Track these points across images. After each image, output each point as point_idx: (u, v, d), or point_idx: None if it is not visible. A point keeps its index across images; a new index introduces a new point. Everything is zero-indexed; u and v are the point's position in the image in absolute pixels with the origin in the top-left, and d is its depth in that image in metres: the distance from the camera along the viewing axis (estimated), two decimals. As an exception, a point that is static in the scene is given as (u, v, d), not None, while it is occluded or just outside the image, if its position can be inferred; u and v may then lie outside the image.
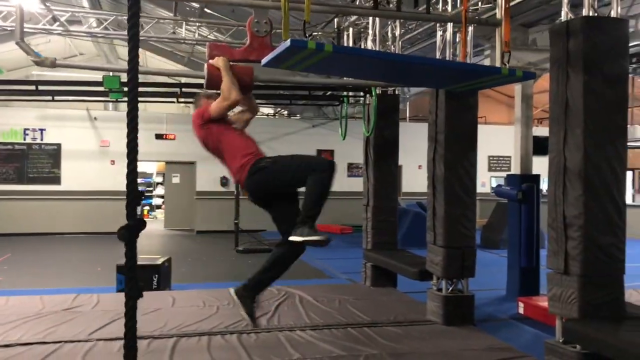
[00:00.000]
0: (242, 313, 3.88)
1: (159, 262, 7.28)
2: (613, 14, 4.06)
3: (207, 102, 4.05)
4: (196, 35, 11.34)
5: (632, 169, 20.56)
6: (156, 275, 7.10)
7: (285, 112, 19.47)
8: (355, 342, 5.01)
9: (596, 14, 4.03)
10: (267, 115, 19.91)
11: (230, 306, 6.26)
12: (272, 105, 17.87)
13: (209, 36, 12.01)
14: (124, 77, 8.73)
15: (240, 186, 3.96)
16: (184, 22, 10.30)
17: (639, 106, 20.24)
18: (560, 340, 4.04)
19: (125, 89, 8.82)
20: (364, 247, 7.78)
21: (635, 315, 4.64)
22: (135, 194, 1.64)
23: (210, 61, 4.03)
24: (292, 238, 3.63)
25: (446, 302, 5.63)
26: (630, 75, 6.07)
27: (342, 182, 17.90)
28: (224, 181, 16.57)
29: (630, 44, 4.87)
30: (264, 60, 3.31)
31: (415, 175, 17.18)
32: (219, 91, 4.00)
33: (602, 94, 3.90)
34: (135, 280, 1.70)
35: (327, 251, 11.86)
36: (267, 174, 3.76)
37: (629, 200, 18.47)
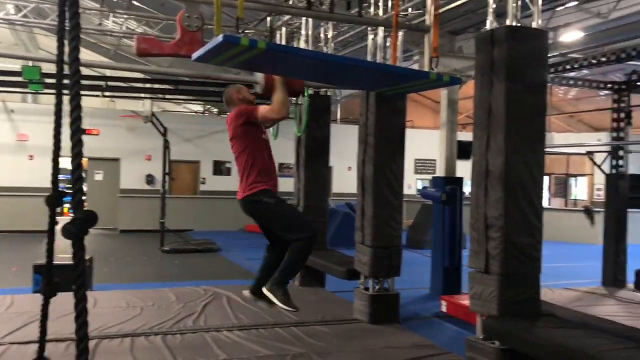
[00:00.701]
0: (281, 305, 4.00)
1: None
2: (534, 25, 4.26)
3: (238, 99, 4.20)
4: (123, 27, 11.00)
5: (549, 174, 21.67)
6: (76, 276, 6.81)
7: (216, 110, 19.20)
8: (282, 341, 5.01)
9: (519, 24, 4.21)
10: (196, 112, 19.57)
11: (155, 307, 6.10)
12: (202, 102, 17.58)
13: (137, 29, 11.67)
14: (45, 68, 8.32)
15: (238, 197, 4.15)
16: (111, 14, 9.96)
17: (557, 115, 21.38)
18: (481, 337, 4.19)
19: (47, 80, 8.41)
20: (293, 247, 7.77)
21: (549, 312, 4.89)
22: (79, 185, 1.53)
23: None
24: (265, 293, 3.98)
25: (372, 300, 5.72)
26: (548, 85, 6.39)
27: (272, 182, 17.85)
28: (149, 179, 16.13)
29: (550, 55, 5.13)
30: (194, 55, 3.24)
31: (345, 176, 17.38)
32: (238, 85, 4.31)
33: (523, 101, 4.08)
34: (84, 282, 1.59)
35: (256, 251, 11.78)
36: (263, 211, 4.06)
37: (545, 203, 19.47)
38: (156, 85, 8.06)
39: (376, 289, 5.81)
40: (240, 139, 4.08)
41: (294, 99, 7.14)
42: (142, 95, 11.01)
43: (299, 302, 6.43)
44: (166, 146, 11.27)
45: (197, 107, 19.57)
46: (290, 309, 3.98)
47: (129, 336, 5.00)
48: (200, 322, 5.56)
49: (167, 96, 8.27)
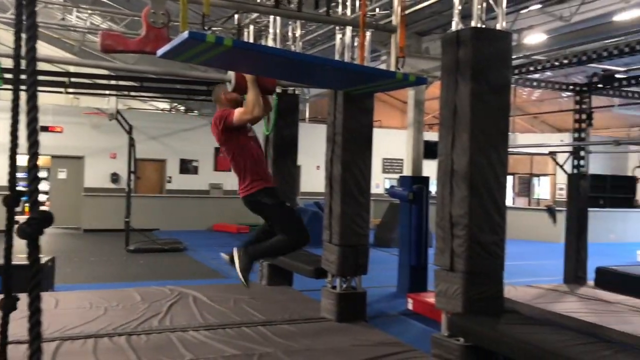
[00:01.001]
0: (237, 270, 4.28)
1: (41, 261, 6.83)
2: (498, 26, 4.34)
3: (226, 99, 4.27)
4: (88, 23, 10.78)
5: (513, 174, 22.08)
6: (38, 276, 6.65)
7: (182, 108, 18.99)
8: (249, 341, 4.98)
9: (484, 26, 4.28)
10: (162, 110, 19.33)
11: (119, 307, 6.01)
12: (168, 100, 17.38)
13: (101, 25, 11.46)
14: (6, 63, 8.08)
15: (240, 195, 4.36)
16: (75, 9, 9.75)
17: (521, 115, 21.79)
18: (446, 334, 4.25)
19: (7, 75, 8.18)
20: (261, 246, 7.74)
21: (513, 309, 4.99)
22: (35, 185, 1.49)
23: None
24: (234, 252, 4.29)
25: (340, 299, 5.74)
26: (513, 86, 6.52)
27: (239, 180, 17.74)
28: (114, 177, 15.87)
29: (514, 57, 5.22)
30: (160, 51, 3.20)
31: (313, 175, 17.40)
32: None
33: (487, 101, 4.14)
34: (39, 282, 1.55)
35: (222, 251, 11.72)
36: (263, 208, 4.30)
37: (509, 202, 19.83)
38: (121, 82, 7.92)
39: (343, 287, 5.83)
40: (225, 145, 4.21)
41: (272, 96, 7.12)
42: (107, 92, 10.82)
43: (266, 301, 6.47)
44: (131, 144, 11.10)
45: (164, 105, 19.33)
46: (242, 279, 4.21)
47: (92, 337, 4.91)
48: (166, 322, 5.49)
49: (133, 93, 8.12)
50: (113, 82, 8.12)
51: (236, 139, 4.14)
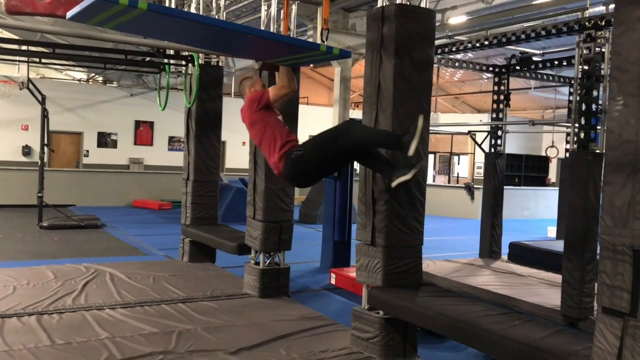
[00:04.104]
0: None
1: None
2: (423, 4, 4.36)
3: (254, 86, 4.31)
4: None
5: (434, 153, 22.71)
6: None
7: (100, 79, 18.15)
8: (169, 318, 4.87)
9: (408, 3, 4.29)
10: (80, 80, 18.41)
11: (30, 286, 5.71)
12: (86, 70, 16.54)
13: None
14: None
15: (275, 171, 4.04)
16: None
17: (443, 96, 22.37)
18: (366, 307, 4.31)
19: None
20: (183, 222, 7.58)
21: (430, 282, 5.13)
22: None
23: None
24: (400, 179, 3.66)
25: (262, 275, 5.71)
26: (436, 66, 6.63)
27: (161, 156, 17.28)
28: (26, 150, 15.03)
29: (437, 36, 5.29)
30: (69, 13, 2.98)
31: (239, 151, 17.17)
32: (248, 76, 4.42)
33: (409, 79, 4.18)
34: None
35: (143, 227, 11.43)
36: (303, 164, 3.86)
37: (430, 180, 20.41)
38: (32, 48, 7.42)
39: (267, 263, 5.80)
40: (260, 123, 4.09)
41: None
42: (17, 58, 10.13)
43: (187, 278, 6.35)
44: (45, 115, 10.50)
45: (81, 75, 18.40)
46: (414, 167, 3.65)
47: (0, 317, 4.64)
48: (80, 301, 5.27)
49: (44, 61, 7.63)
50: (24, 47, 7.59)
51: (271, 116, 4.09)
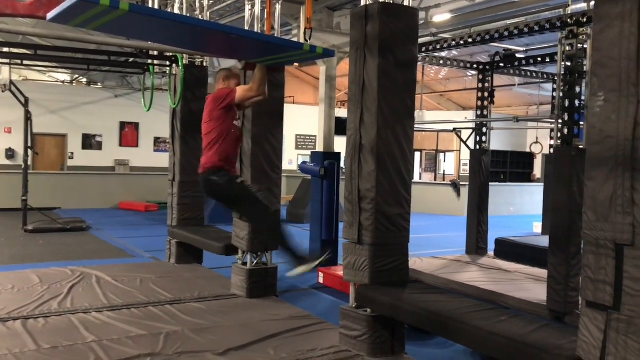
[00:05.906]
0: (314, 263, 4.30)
1: None
2: (406, 2, 4.38)
3: (228, 80, 4.40)
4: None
5: (420, 150, 22.80)
6: None
7: (84, 80, 17.99)
8: (156, 320, 4.85)
9: (392, 1, 4.30)
10: (63, 82, 18.24)
11: (15, 290, 5.66)
12: (69, 72, 16.40)
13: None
14: None
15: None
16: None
17: (429, 93, 22.46)
18: (354, 305, 4.32)
19: None
20: (169, 223, 7.54)
21: (417, 279, 5.16)
22: None
23: None
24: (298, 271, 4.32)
25: (250, 275, 5.70)
26: (420, 64, 6.66)
27: (147, 157, 17.18)
28: (9, 153, 14.87)
29: (421, 34, 5.31)
30: (49, 15, 2.96)
31: (224, 151, 17.08)
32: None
33: (394, 77, 4.19)
34: None
35: (129, 229, 11.35)
36: (214, 189, 4.36)
37: (416, 178, 20.50)
38: (13, 50, 7.34)
39: (254, 263, 5.79)
40: (214, 123, 4.16)
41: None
42: (-1, 61, 10.01)
43: (175, 280, 6.32)
44: (28, 118, 10.39)
45: (64, 77, 18.24)
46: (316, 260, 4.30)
47: (-17, 323, 4.59)
48: (66, 304, 5.23)
49: (27, 62, 7.54)
50: (5, 49, 7.50)
51: (223, 124, 4.16)
